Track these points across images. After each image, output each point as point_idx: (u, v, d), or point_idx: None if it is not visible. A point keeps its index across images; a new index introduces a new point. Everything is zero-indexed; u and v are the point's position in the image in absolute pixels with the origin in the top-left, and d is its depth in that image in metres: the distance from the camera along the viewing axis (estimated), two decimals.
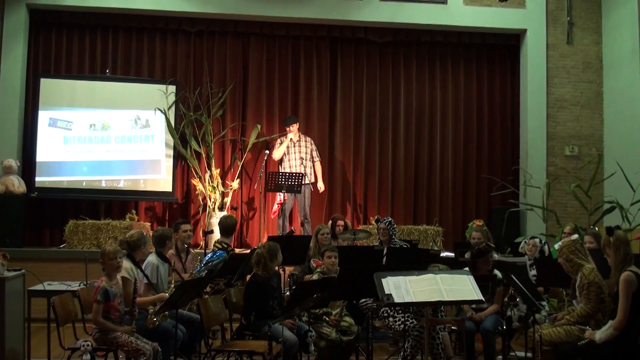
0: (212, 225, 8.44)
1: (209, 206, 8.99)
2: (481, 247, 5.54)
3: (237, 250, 6.86)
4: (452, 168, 9.96)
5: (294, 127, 8.96)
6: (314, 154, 9.06)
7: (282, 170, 8.77)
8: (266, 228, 9.20)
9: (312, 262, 6.48)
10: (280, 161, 9.00)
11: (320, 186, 9.01)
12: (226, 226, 6.34)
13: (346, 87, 9.92)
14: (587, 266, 4.72)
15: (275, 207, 8.94)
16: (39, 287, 5.58)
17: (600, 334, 4.38)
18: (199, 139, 9.19)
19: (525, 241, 6.83)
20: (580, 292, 4.70)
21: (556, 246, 5.32)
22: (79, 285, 5.63)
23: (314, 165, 9.02)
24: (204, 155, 9.27)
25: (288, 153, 8.95)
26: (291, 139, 8.91)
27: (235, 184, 9.21)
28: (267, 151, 9.06)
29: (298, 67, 9.89)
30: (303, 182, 8.43)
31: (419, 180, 9.95)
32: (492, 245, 5.81)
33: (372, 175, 9.88)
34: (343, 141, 9.85)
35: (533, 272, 6.21)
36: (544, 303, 5.66)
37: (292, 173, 8.44)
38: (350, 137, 9.85)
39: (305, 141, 9.08)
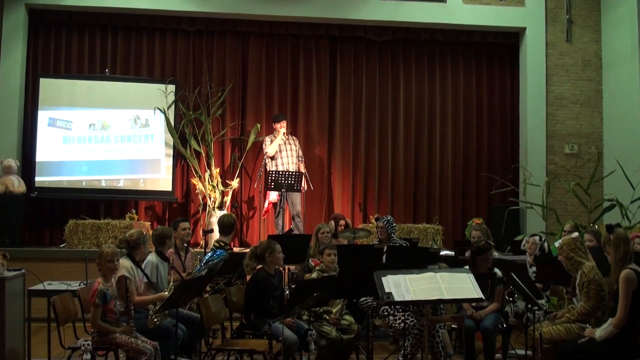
0: (212, 225, 8.42)
1: (209, 205, 8.98)
2: (481, 245, 5.53)
3: (236, 250, 6.86)
4: (451, 166, 9.95)
5: (284, 124, 8.95)
6: (300, 152, 9.06)
7: (276, 168, 8.74)
8: (266, 227, 9.19)
9: (310, 261, 6.48)
10: (272, 158, 8.93)
11: (305, 185, 8.92)
12: (224, 225, 6.31)
13: (345, 86, 9.90)
14: (587, 264, 4.72)
15: (267, 204, 8.92)
16: (39, 286, 5.58)
17: (600, 332, 4.37)
18: (199, 138, 9.17)
19: (526, 239, 6.84)
20: (580, 290, 4.69)
21: (556, 244, 5.31)
22: (79, 285, 5.62)
23: (299, 164, 9.01)
24: (203, 155, 9.26)
25: (280, 151, 8.92)
26: (283, 133, 8.89)
27: (235, 183, 9.20)
28: (266, 150, 9.04)
29: (297, 66, 9.87)
30: (302, 181, 8.42)
31: (419, 178, 9.94)
32: (492, 243, 5.80)
33: (371, 174, 9.86)
34: (342, 140, 9.84)
35: (533, 269, 6.22)
36: (544, 301, 5.65)
37: (292, 172, 8.44)
38: (349, 136, 9.84)
39: (294, 140, 9.09)
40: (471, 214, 9.55)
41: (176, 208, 9.47)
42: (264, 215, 9.15)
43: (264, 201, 9.04)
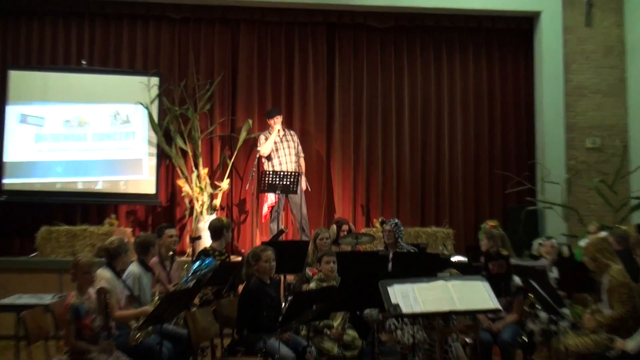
0: (200, 231, 8.36)
1: (197, 209, 8.90)
2: (491, 252, 5.50)
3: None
4: (462, 164, 9.91)
5: (279, 119, 8.85)
6: (299, 148, 8.97)
7: (273, 169, 8.62)
8: (260, 232, 9.10)
9: (307, 270, 6.37)
10: (269, 158, 8.85)
11: (304, 185, 8.80)
12: (212, 228, 6.27)
13: (345, 77, 9.87)
14: (614, 267, 4.69)
15: (266, 209, 8.80)
16: (7, 300, 5.53)
17: (633, 344, 4.31)
18: (185, 136, 9.11)
19: (540, 243, 6.75)
20: (610, 296, 4.61)
21: (581, 243, 5.25)
22: (52, 298, 5.57)
23: (299, 162, 8.91)
24: (190, 154, 9.18)
25: (277, 149, 8.81)
26: (278, 130, 8.79)
27: (225, 184, 9.11)
28: (259, 149, 8.94)
29: (292, 56, 9.84)
30: (299, 182, 8.30)
31: (426, 177, 9.89)
32: (506, 252, 5.63)
33: (374, 174, 9.81)
34: (342, 136, 9.79)
35: (553, 274, 6.14)
36: (566, 310, 5.55)
37: (287, 172, 8.31)
38: (350, 132, 9.79)
39: (292, 135, 8.99)
40: (484, 216, 9.47)
41: (160, 213, 9.42)
42: (263, 221, 9.03)
43: (259, 205, 8.95)
